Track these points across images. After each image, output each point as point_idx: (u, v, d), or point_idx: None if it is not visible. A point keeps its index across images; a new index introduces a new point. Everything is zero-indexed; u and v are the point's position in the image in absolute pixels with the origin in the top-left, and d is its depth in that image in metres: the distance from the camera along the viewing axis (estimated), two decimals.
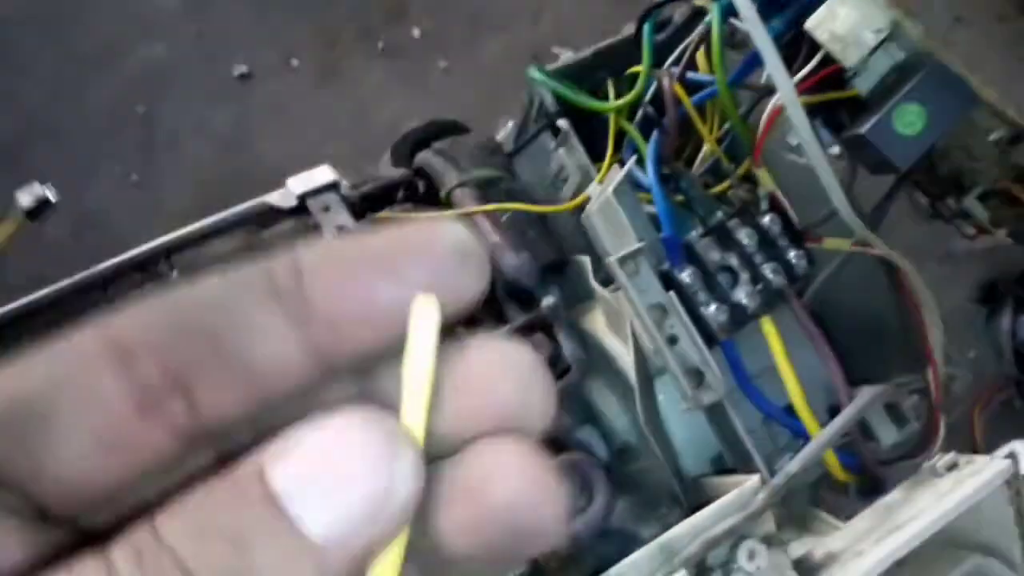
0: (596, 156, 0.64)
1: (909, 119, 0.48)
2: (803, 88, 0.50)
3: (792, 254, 0.55)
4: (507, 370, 0.17)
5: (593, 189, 0.58)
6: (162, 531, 0.14)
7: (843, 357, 0.57)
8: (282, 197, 0.57)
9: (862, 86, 0.51)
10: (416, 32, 1.94)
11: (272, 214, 0.57)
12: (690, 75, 0.59)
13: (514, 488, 0.16)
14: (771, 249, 0.54)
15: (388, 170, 0.70)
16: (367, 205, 0.59)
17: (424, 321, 0.16)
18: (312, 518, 0.14)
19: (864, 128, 0.49)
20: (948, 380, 0.60)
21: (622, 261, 0.52)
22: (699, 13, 0.61)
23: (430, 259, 0.16)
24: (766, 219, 0.55)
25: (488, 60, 1.94)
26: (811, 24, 0.48)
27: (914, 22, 0.48)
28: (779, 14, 0.50)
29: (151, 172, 1.75)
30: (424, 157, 0.64)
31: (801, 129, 0.49)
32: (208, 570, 0.14)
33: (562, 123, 0.62)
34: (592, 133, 0.66)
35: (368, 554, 0.15)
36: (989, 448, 0.54)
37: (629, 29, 0.65)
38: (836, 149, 0.62)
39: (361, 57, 1.92)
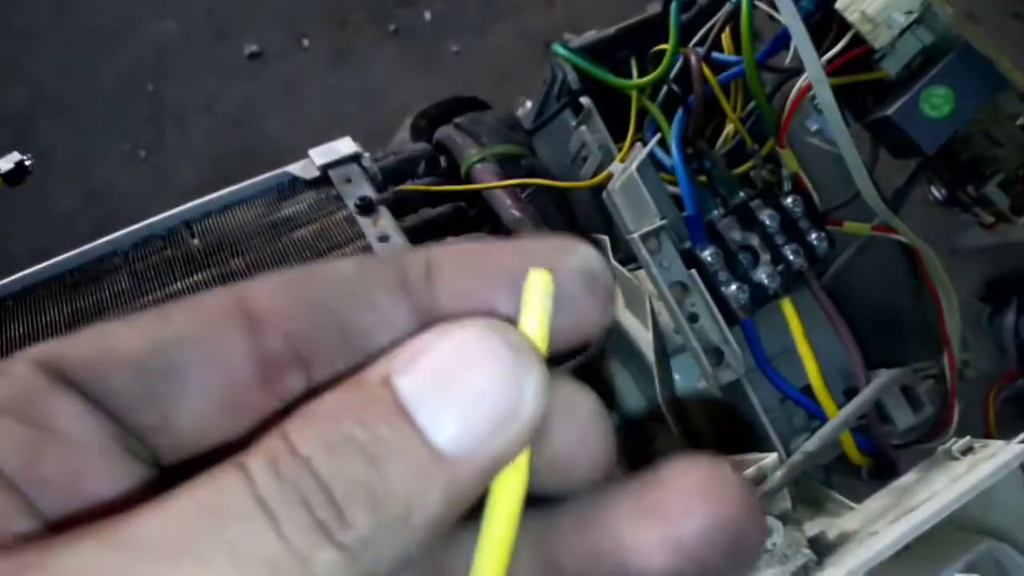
0: (617, 136, 0.64)
1: (936, 101, 0.48)
2: (831, 68, 0.50)
3: (813, 236, 0.55)
4: (567, 415, 0.16)
5: (615, 167, 0.58)
6: (295, 441, 0.14)
7: (860, 341, 0.57)
8: (304, 168, 0.57)
9: (890, 68, 0.51)
10: (428, 15, 1.94)
11: (294, 184, 0.57)
12: (715, 55, 0.59)
13: (720, 511, 0.16)
14: (793, 230, 0.54)
15: (400, 148, 0.70)
16: (388, 178, 0.59)
17: (538, 289, 0.16)
18: (440, 428, 0.14)
19: (891, 110, 0.49)
20: (963, 366, 0.60)
21: (645, 238, 0.52)
22: None
23: (560, 283, 0.16)
24: (788, 200, 0.55)
25: (499, 44, 1.93)
26: (842, 4, 0.48)
27: (944, 5, 0.48)
28: None
29: (159, 148, 1.75)
30: (445, 132, 0.63)
31: (828, 108, 0.49)
32: (343, 483, 0.14)
33: (585, 100, 0.62)
34: (613, 112, 0.66)
35: (492, 471, 0.15)
36: (1002, 437, 0.54)
37: (654, 8, 0.65)
38: None
39: (372, 39, 1.91)
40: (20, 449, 0.15)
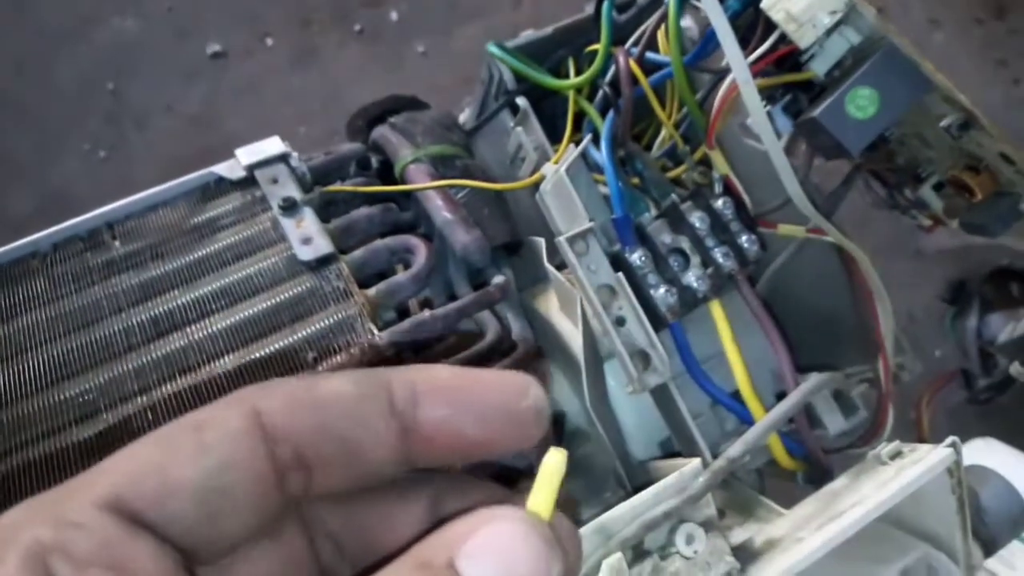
0: (557, 137, 0.64)
1: (861, 103, 0.48)
2: (758, 68, 0.49)
3: (744, 238, 0.54)
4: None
5: (547, 168, 0.57)
6: None
7: (795, 345, 0.57)
8: (230, 168, 0.56)
9: (818, 68, 0.50)
10: (393, 15, 1.93)
11: (219, 185, 0.56)
12: (649, 55, 0.58)
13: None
14: (723, 233, 0.54)
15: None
16: (317, 178, 0.58)
17: (552, 468, 0.21)
18: None
19: (816, 111, 0.48)
20: (898, 369, 0.60)
21: (572, 240, 0.51)
22: None
23: (516, 417, 0.22)
24: (719, 202, 0.54)
25: (466, 45, 1.93)
26: (767, 4, 0.48)
27: (867, 6, 0.48)
28: None
29: (119, 149, 1.72)
30: (380, 131, 0.62)
31: (753, 109, 0.48)
32: None
33: (521, 101, 0.61)
34: (553, 113, 0.65)
35: None
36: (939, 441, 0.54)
37: (591, 7, 0.65)
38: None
39: (337, 39, 1.90)
40: None
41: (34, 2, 1.80)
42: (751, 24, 0.50)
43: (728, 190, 0.55)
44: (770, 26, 0.49)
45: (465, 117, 0.76)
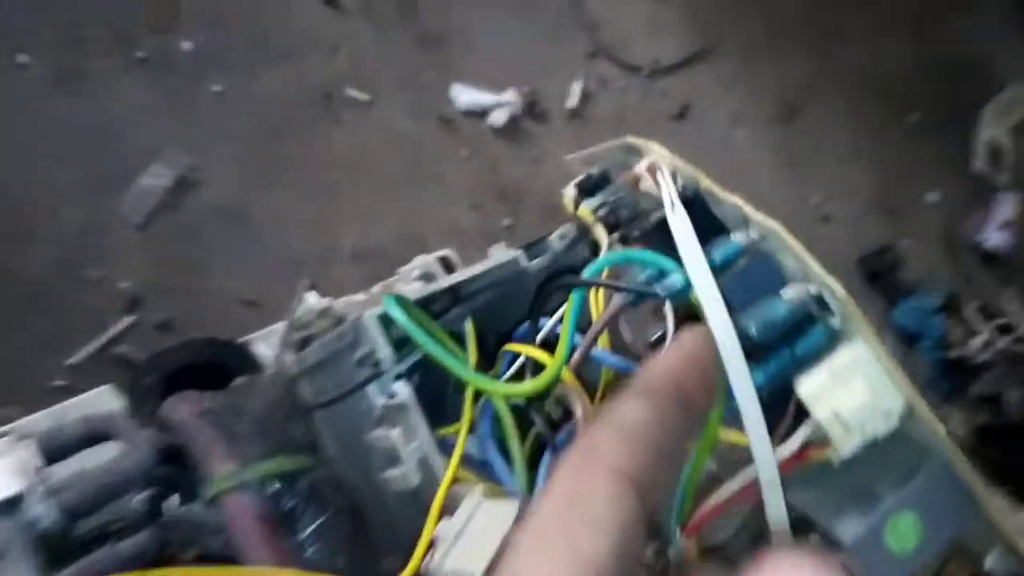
0: (443, 415, 0.45)
1: (904, 531, 0.35)
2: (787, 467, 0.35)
3: None
4: None
5: (445, 529, 0.39)
6: None
7: None
8: None
9: (834, 456, 0.37)
10: (186, 45, 1.64)
11: None
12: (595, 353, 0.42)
13: None
14: None
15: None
16: (74, 519, 0.35)
17: None
18: None
19: (849, 535, 0.35)
20: None
21: None
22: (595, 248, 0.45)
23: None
24: None
25: (271, 90, 1.68)
26: (807, 392, 0.33)
27: (920, 401, 0.35)
28: (760, 366, 0.34)
29: None
30: (185, 419, 0.40)
31: (775, 517, 0.33)
32: None
33: (402, 391, 0.42)
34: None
35: None
36: None
37: (501, 254, 0.47)
38: None
39: (115, 65, 1.59)
40: None
41: None
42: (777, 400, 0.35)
43: None
44: (801, 411, 0.35)
45: (301, 313, 0.56)
